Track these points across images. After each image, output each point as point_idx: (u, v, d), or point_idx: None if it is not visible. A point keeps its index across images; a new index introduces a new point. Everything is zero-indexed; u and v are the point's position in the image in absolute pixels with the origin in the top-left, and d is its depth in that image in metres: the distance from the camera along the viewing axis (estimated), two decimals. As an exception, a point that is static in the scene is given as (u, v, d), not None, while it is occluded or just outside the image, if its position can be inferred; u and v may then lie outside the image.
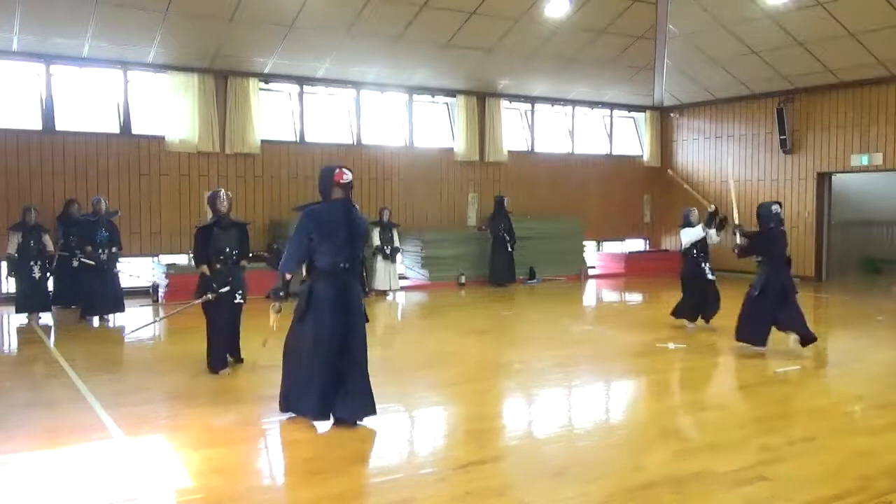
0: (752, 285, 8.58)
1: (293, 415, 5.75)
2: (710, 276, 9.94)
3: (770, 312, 8.37)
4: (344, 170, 5.61)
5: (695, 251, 9.97)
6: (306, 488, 4.50)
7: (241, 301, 7.66)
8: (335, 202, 5.60)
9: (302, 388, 5.63)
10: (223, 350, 7.63)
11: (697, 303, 9.94)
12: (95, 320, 10.66)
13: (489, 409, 6.39)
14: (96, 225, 10.58)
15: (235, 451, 5.22)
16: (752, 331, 8.45)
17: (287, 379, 5.82)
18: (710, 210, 9.97)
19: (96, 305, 10.64)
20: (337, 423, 5.61)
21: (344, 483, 4.60)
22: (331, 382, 5.59)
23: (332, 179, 5.59)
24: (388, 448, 5.34)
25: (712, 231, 9.85)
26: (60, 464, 4.88)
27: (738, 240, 8.74)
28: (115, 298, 10.79)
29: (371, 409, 5.70)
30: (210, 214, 7.88)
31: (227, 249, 7.56)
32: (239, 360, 7.84)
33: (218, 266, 7.50)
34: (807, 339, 8.24)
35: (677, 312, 10.08)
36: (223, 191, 7.80)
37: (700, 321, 9.93)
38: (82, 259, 10.58)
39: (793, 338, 8.27)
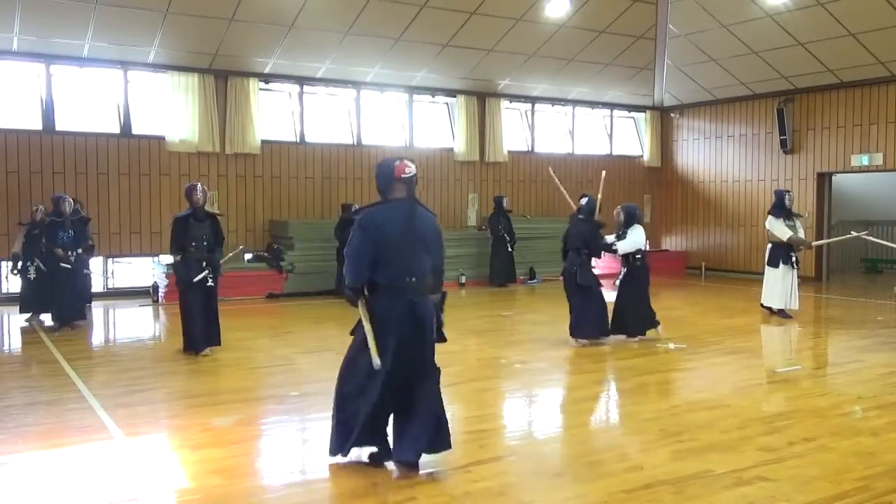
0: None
1: (341, 458, 4.82)
2: None
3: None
4: (406, 162, 4.76)
5: None
6: (306, 489, 4.50)
7: (213, 284, 8.32)
8: (396, 202, 4.73)
9: (342, 425, 4.76)
10: (199, 331, 8.23)
11: None
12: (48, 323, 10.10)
13: (489, 409, 6.39)
14: (61, 225, 10.04)
15: (235, 451, 5.22)
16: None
17: (335, 415, 4.85)
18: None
19: (59, 311, 10.05)
20: (399, 464, 4.73)
21: (344, 483, 4.59)
22: (380, 421, 4.78)
23: (392, 175, 4.73)
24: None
25: None
26: (60, 464, 4.88)
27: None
28: (77, 304, 10.17)
29: (438, 441, 4.72)
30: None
31: (202, 239, 8.27)
32: (217, 343, 8.45)
33: (193, 251, 8.19)
34: None
35: None
36: (200, 184, 8.48)
37: None
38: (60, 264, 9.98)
39: None
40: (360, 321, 4.72)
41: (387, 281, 4.60)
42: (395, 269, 4.59)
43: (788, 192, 11.16)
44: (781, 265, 10.78)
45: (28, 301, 10.70)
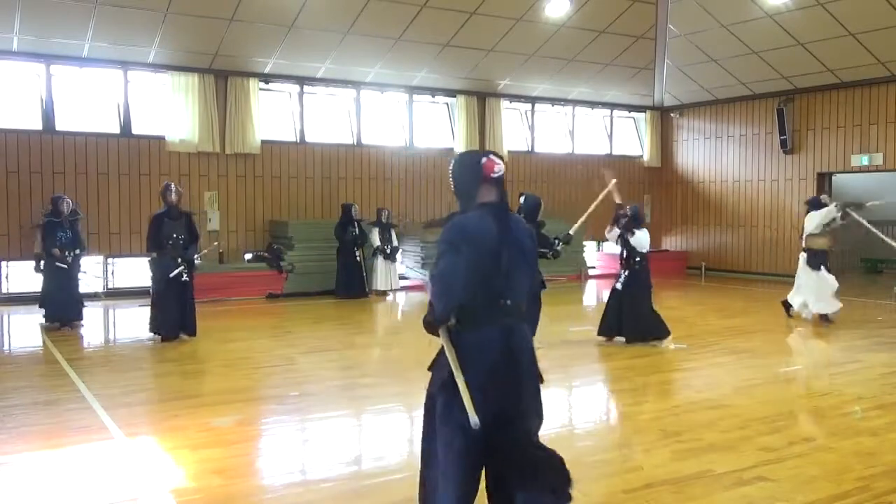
0: None
1: None
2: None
3: None
4: (493, 157, 3.63)
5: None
6: (306, 489, 4.50)
7: (188, 279, 8.93)
8: (487, 208, 3.58)
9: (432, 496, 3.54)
10: (172, 321, 8.91)
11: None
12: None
13: (489, 409, 6.38)
14: (59, 225, 10.07)
15: (235, 451, 5.22)
16: None
17: (424, 484, 3.66)
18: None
19: (57, 311, 10.05)
20: None
21: (344, 483, 4.60)
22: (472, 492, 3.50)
23: (479, 174, 3.59)
24: (388, 448, 5.33)
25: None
26: (60, 464, 4.88)
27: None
28: (75, 305, 10.17)
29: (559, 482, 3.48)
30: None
31: (176, 236, 8.89)
32: (193, 333, 9.07)
33: (169, 247, 8.81)
34: None
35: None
36: (174, 184, 9.16)
37: None
38: (56, 263, 10.00)
39: None
40: (440, 353, 3.73)
41: (476, 305, 3.53)
42: (489, 290, 3.54)
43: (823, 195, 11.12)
44: (823, 268, 10.49)
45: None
